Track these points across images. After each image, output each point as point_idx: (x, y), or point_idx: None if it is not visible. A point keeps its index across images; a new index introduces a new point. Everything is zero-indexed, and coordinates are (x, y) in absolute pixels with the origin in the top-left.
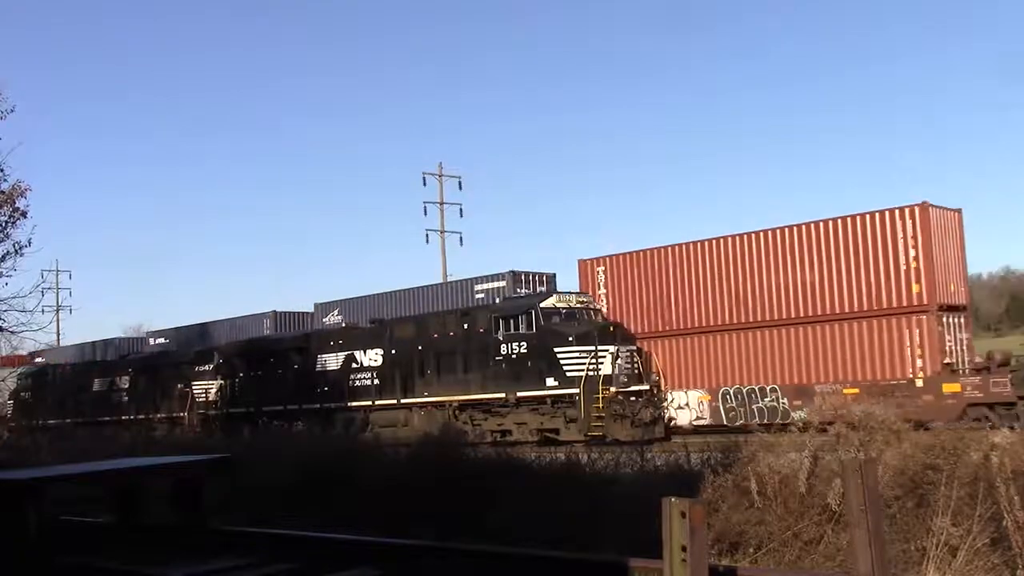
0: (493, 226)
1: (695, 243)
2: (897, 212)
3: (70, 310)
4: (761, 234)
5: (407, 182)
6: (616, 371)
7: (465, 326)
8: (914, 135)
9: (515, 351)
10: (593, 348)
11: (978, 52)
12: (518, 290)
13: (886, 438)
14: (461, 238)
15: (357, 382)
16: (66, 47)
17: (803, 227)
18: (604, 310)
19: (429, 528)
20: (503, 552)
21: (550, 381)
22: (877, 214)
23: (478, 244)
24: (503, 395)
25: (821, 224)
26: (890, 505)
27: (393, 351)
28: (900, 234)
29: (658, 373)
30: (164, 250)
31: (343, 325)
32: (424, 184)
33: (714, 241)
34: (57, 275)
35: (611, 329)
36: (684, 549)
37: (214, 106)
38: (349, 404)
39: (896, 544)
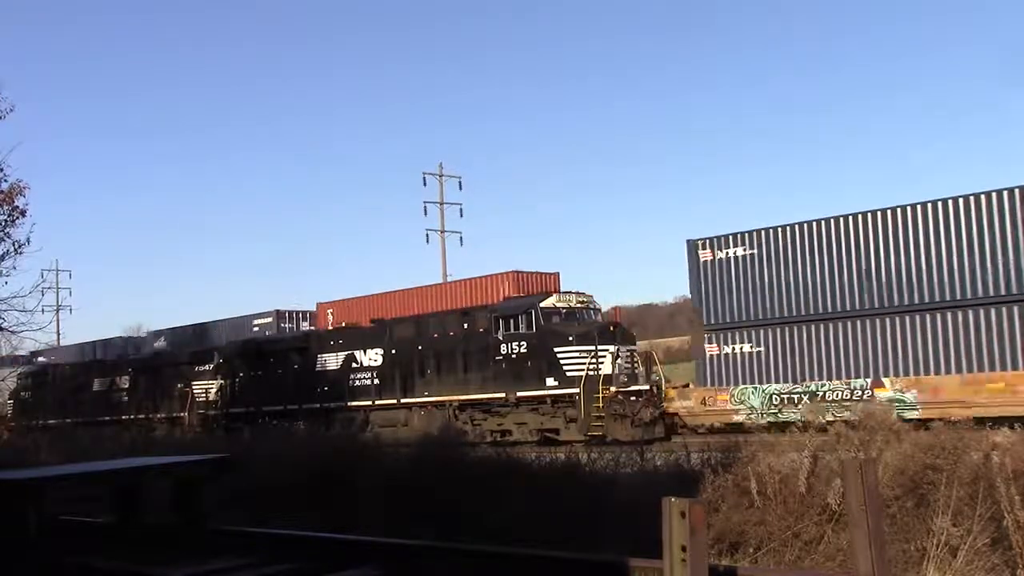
0: (493, 226)
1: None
2: None
3: (70, 310)
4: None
5: (407, 182)
6: (616, 371)
7: (465, 326)
8: (916, 134)
9: (515, 351)
10: (593, 348)
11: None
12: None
13: (886, 438)
14: (461, 238)
15: (357, 382)
16: (66, 47)
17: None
18: None
19: (429, 528)
20: (503, 552)
21: (550, 381)
22: None
23: (478, 244)
24: (503, 395)
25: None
26: (890, 505)
27: (393, 351)
28: None
29: (658, 372)
30: (164, 250)
31: (343, 324)
32: (424, 184)
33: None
34: (57, 275)
35: (611, 329)
36: (684, 549)
37: (214, 106)
38: (349, 404)
39: (896, 544)
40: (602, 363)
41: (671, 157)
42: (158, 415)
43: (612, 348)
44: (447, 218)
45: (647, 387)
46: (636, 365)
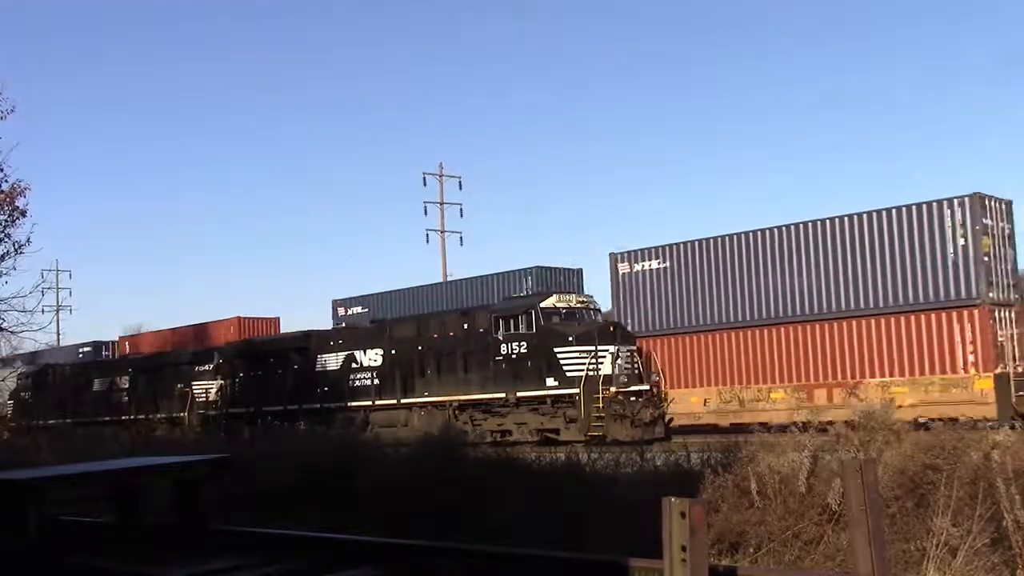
0: (493, 226)
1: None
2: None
3: (70, 310)
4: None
5: (407, 182)
6: (616, 371)
7: (465, 326)
8: (916, 134)
9: (515, 351)
10: (593, 348)
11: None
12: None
13: (886, 438)
14: (461, 238)
15: (357, 382)
16: (67, 47)
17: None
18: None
19: (429, 528)
20: (503, 552)
21: (550, 381)
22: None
23: (478, 244)
24: (503, 395)
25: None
26: (890, 505)
27: (393, 351)
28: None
29: (658, 373)
30: (164, 250)
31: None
32: (424, 184)
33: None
34: (57, 275)
35: (611, 329)
36: (684, 549)
37: (214, 107)
38: (349, 404)
39: (896, 544)
40: (602, 363)
41: (671, 157)
42: (158, 415)
43: (612, 348)
44: (447, 218)
45: (647, 387)
46: (636, 365)
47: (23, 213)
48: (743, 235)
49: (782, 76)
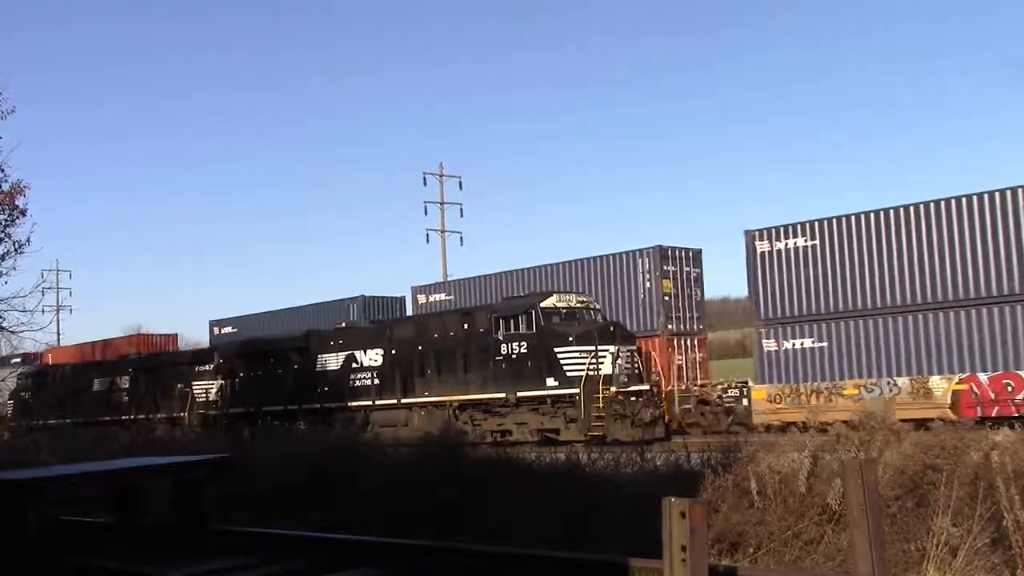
0: (493, 226)
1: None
2: None
3: (70, 310)
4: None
5: (408, 182)
6: (616, 371)
7: (465, 326)
8: (915, 133)
9: (515, 351)
10: (593, 348)
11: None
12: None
13: (886, 438)
14: (461, 238)
15: (357, 382)
16: (67, 48)
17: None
18: None
19: (429, 528)
20: (503, 552)
21: (550, 381)
22: None
23: (478, 244)
24: (503, 395)
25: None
26: (890, 505)
27: (393, 351)
28: None
29: (658, 372)
30: (164, 250)
31: (343, 325)
32: (424, 184)
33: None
34: (57, 275)
35: (611, 329)
36: (684, 549)
37: (215, 107)
38: (349, 404)
39: (896, 544)
40: (602, 363)
41: (671, 157)
42: (158, 415)
43: (612, 348)
44: (447, 218)
45: (647, 387)
46: (636, 365)
47: (23, 213)
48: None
49: (782, 76)
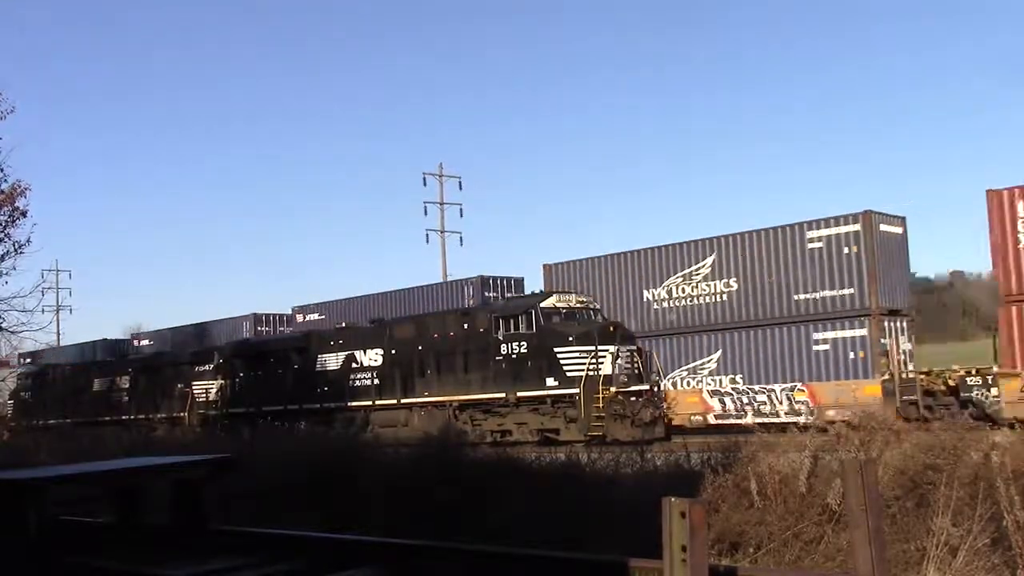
0: (493, 226)
1: None
2: None
3: (70, 310)
4: None
5: (408, 182)
6: (616, 371)
7: (465, 326)
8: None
9: (515, 351)
10: (593, 348)
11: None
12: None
13: (886, 438)
14: (461, 238)
15: (357, 382)
16: (66, 47)
17: None
18: None
19: (429, 528)
20: (503, 552)
21: (550, 381)
22: None
23: (478, 244)
24: (503, 395)
25: None
26: (890, 505)
27: (393, 351)
28: None
29: (658, 372)
30: (164, 250)
31: (343, 325)
32: (424, 184)
33: None
34: (57, 275)
35: (611, 329)
36: (684, 549)
37: (215, 106)
38: (349, 404)
39: (896, 544)
40: (602, 363)
41: (671, 157)
42: (158, 415)
43: (612, 348)
44: (447, 218)
45: (647, 387)
46: (636, 365)
47: (23, 213)
48: None
49: (782, 75)
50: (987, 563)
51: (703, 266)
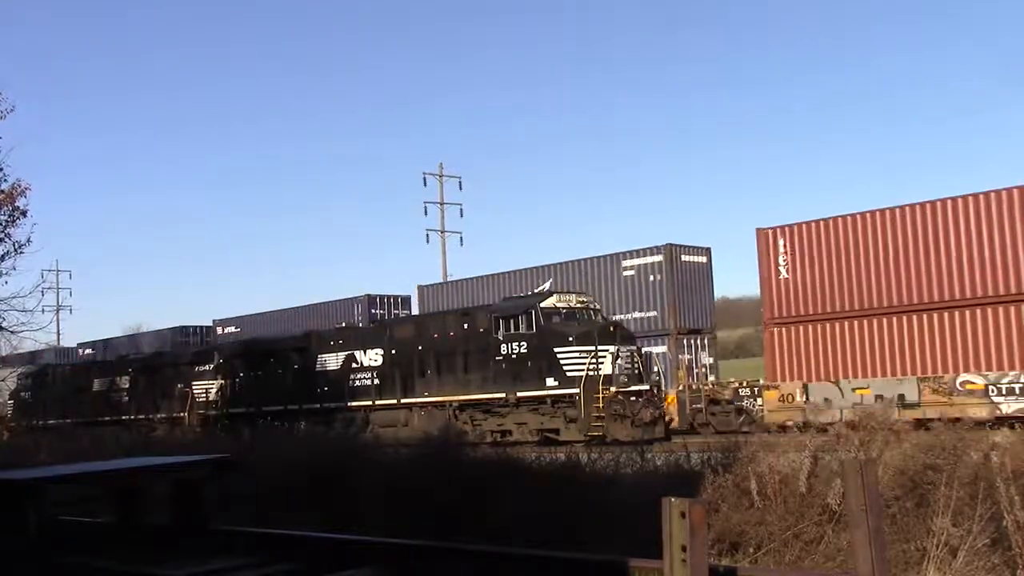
0: (493, 226)
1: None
2: None
3: (70, 310)
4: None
5: (408, 182)
6: (616, 371)
7: (465, 326)
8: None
9: (515, 351)
10: (593, 348)
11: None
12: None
13: (886, 438)
14: (461, 238)
15: (357, 382)
16: (66, 47)
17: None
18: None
19: (429, 528)
20: (503, 552)
21: (550, 381)
22: None
23: (479, 244)
24: (503, 395)
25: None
26: (890, 505)
27: (393, 351)
28: None
29: (658, 373)
30: (164, 250)
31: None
32: (424, 184)
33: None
34: (57, 275)
35: (611, 329)
36: (684, 549)
37: (214, 106)
38: (349, 404)
39: (896, 544)
40: (602, 363)
41: (671, 157)
42: (158, 415)
43: (612, 348)
44: (447, 218)
45: (647, 387)
46: (636, 365)
47: (23, 213)
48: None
49: (783, 75)
50: (987, 563)
51: (543, 288)
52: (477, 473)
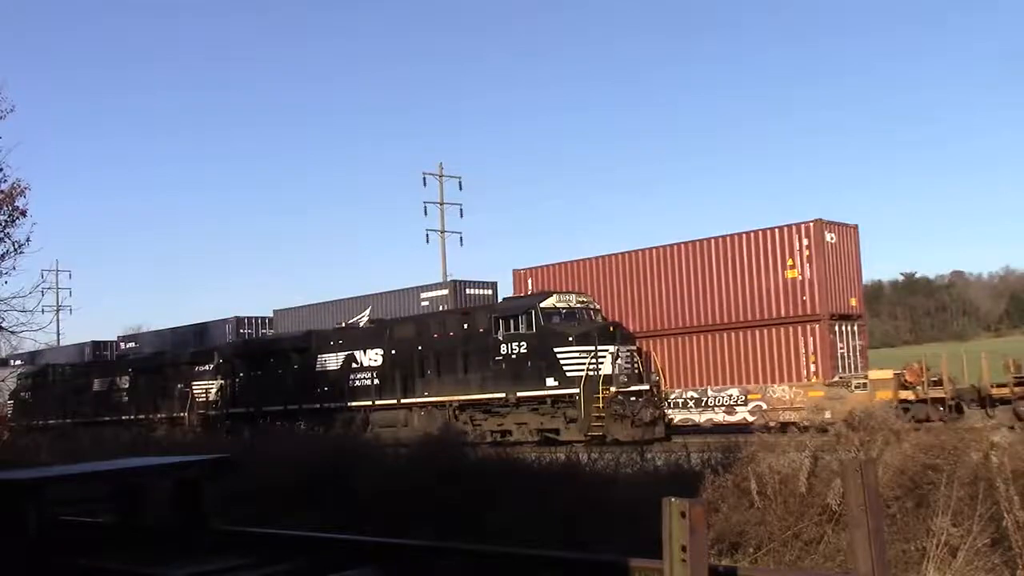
0: (493, 226)
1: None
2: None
3: (70, 310)
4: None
5: (408, 182)
6: (616, 371)
7: (465, 326)
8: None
9: (515, 351)
10: (593, 348)
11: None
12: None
13: (886, 438)
14: (461, 238)
15: (357, 382)
16: (67, 46)
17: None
18: None
19: (429, 528)
20: (503, 552)
21: (550, 381)
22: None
23: (478, 244)
24: (503, 395)
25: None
26: (890, 505)
27: (393, 351)
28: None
29: (658, 373)
30: (164, 250)
31: (342, 325)
32: (424, 184)
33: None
34: (57, 275)
35: (611, 329)
36: (684, 549)
37: (214, 106)
38: (349, 404)
39: (896, 544)
40: (602, 363)
41: (671, 157)
42: (158, 415)
43: (612, 348)
44: (447, 218)
45: (647, 387)
46: (636, 365)
47: (23, 213)
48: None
49: (782, 76)
50: (987, 563)
51: (362, 317)
52: (477, 473)
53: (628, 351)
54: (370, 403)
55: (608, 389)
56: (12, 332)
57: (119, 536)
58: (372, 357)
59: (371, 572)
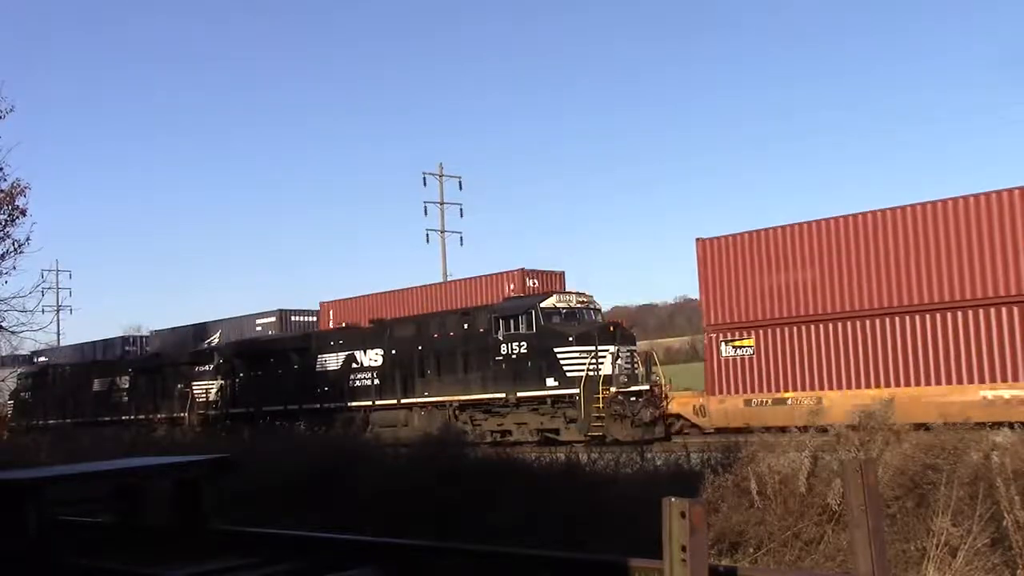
0: (494, 226)
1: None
2: None
3: (70, 310)
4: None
5: (408, 182)
6: (616, 371)
7: (465, 326)
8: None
9: (515, 351)
10: (593, 348)
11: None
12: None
13: (886, 438)
14: (461, 238)
15: (357, 382)
16: (66, 47)
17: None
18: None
19: (429, 528)
20: (503, 552)
21: (550, 381)
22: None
23: (478, 244)
24: (503, 395)
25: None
26: (890, 505)
27: (393, 351)
28: None
29: (658, 373)
30: (164, 250)
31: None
32: (424, 184)
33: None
34: (57, 275)
35: (611, 329)
36: (684, 549)
37: (215, 107)
38: (349, 404)
39: (896, 544)
40: (602, 363)
41: (671, 157)
42: (158, 415)
43: (612, 348)
44: (447, 218)
45: (647, 387)
46: (636, 365)
47: (23, 212)
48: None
49: (781, 77)
50: (987, 563)
51: (215, 337)
52: (477, 473)
53: (628, 351)
54: (370, 403)
55: (608, 389)
56: (12, 332)
57: (119, 536)
58: (372, 357)
59: (371, 572)
